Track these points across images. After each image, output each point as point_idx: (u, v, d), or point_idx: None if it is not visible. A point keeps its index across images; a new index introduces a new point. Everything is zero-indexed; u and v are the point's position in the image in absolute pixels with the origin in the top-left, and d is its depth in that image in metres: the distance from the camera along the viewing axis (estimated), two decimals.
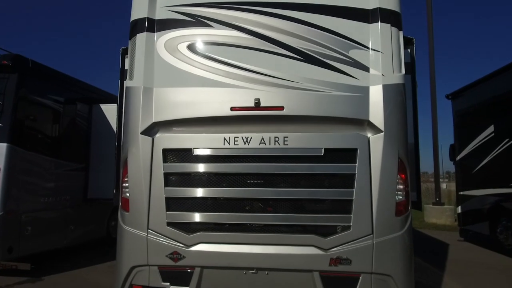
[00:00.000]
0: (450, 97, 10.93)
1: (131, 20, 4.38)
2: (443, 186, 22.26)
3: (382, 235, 3.71)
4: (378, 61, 3.96)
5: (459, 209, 10.46)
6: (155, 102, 4.07)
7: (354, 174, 3.79)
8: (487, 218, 9.14)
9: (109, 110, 8.44)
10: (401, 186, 3.82)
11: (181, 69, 4.11)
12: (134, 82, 4.17)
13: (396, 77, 3.96)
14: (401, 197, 3.81)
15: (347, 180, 3.82)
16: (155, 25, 4.26)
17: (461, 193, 10.36)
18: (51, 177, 7.62)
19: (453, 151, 10.79)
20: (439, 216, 14.72)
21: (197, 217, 3.95)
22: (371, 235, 3.71)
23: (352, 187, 3.78)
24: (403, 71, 4.02)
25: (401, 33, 4.13)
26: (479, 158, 9.35)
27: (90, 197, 8.48)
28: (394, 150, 3.83)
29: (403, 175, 3.85)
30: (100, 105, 8.65)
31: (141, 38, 4.23)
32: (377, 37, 4.01)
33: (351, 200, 3.77)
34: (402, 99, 4.00)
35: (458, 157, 10.44)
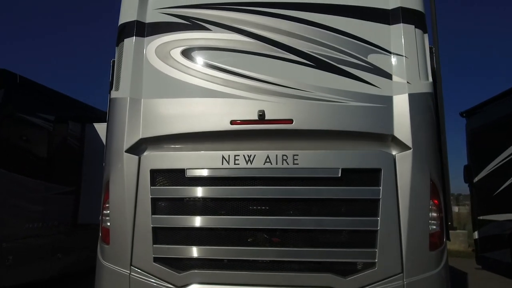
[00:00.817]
0: (464, 114, 10.33)
1: (119, 24, 3.87)
2: (455, 209, 21.43)
3: (415, 274, 3.06)
4: (402, 66, 3.40)
5: (476, 235, 9.75)
6: (143, 115, 3.51)
7: (378, 200, 3.16)
8: (508, 244, 8.42)
9: (104, 130, 7.91)
10: (435, 214, 3.19)
11: (173, 77, 3.57)
12: (119, 93, 3.63)
13: (424, 85, 3.39)
14: (435, 226, 3.18)
15: (370, 207, 3.19)
16: (145, 29, 3.75)
17: (479, 217, 9.63)
18: (38, 201, 7.08)
19: (468, 172, 10.11)
20: (452, 241, 13.92)
21: (190, 251, 3.31)
22: (401, 274, 3.06)
23: (377, 215, 3.15)
24: (430, 79, 3.45)
25: (426, 36, 3.58)
26: (499, 180, 8.69)
27: (81, 223, 7.88)
28: (425, 171, 3.22)
29: (436, 201, 3.23)
30: (94, 124, 8.15)
31: (129, 43, 3.71)
32: (400, 40, 3.46)
33: (376, 231, 3.13)
34: (431, 110, 3.42)
35: (475, 179, 9.76)
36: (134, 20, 3.75)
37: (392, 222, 3.13)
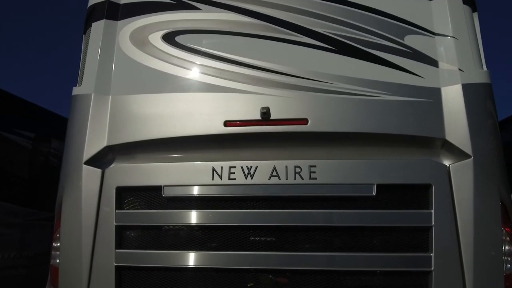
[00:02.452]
0: None
1: (87, 7, 3.10)
2: None
3: None
4: (451, 50, 2.58)
5: None
6: (110, 116, 2.67)
7: (430, 228, 2.27)
8: None
9: None
10: (509, 247, 2.26)
11: (151, 68, 2.75)
12: (81, 89, 2.81)
13: (481, 74, 2.55)
14: (510, 265, 2.24)
15: (419, 238, 2.30)
16: (119, 11, 2.96)
17: None
18: (13, 229, 6.20)
19: None
20: None
21: None
22: None
23: (428, 250, 2.25)
24: (485, 67, 2.62)
25: (475, 15, 2.77)
26: None
27: None
28: (492, 188, 2.34)
29: (509, 228, 2.31)
30: None
31: (97, 28, 2.92)
32: (445, 18, 2.65)
33: (428, 273, 2.22)
34: (493, 106, 2.56)
35: None
36: (106, 0, 2.97)
37: (451, 259, 2.22)
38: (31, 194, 6.58)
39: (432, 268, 2.20)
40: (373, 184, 2.34)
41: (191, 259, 2.40)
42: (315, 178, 2.38)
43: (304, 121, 2.47)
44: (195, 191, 2.47)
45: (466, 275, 2.19)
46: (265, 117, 2.49)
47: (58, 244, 2.56)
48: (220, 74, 2.64)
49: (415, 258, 2.27)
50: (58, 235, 2.59)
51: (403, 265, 2.27)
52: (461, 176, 2.32)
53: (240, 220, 2.40)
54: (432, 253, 2.23)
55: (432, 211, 2.28)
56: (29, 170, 6.77)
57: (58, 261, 2.54)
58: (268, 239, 2.38)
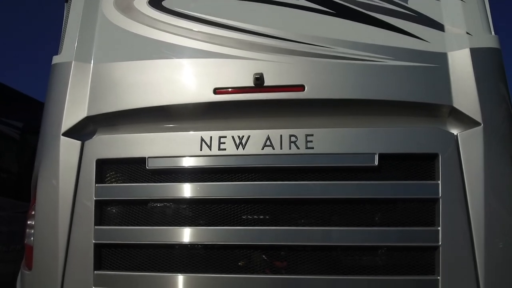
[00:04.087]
0: None
1: None
2: None
3: None
4: (458, 13, 2.40)
5: None
6: (91, 85, 2.48)
7: (437, 200, 2.08)
8: None
9: None
10: None
11: (136, 33, 2.56)
12: (61, 57, 2.62)
13: (490, 38, 2.37)
14: None
15: (426, 211, 2.11)
16: None
17: None
18: (2, 221, 6.05)
19: None
20: None
21: (150, 281, 2.18)
22: None
23: (435, 224, 2.06)
24: (493, 33, 2.45)
25: None
26: None
27: None
28: (503, 156, 2.16)
29: None
30: None
31: None
32: None
33: (436, 249, 2.03)
34: (503, 73, 2.38)
35: None
36: None
37: (460, 234, 2.04)
38: (19, 186, 6.40)
39: (440, 243, 2.02)
40: (375, 154, 2.15)
41: (178, 235, 2.20)
42: (312, 148, 2.19)
43: (300, 87, 2.28)
44: (182, 162, 2.28)
45: (476, 250, 2.00)
46: (258, 83, 2.30)
47: (33, 222, 2.36)
48: (210, 39, 2.45)
49: (421, 233, 2.08)
50: (33, 213, 2.39)
51: (408, 240, 2.08)
52: (470, 144, 2.14)
53: (231, 193, 2.20)
54: (439, 227, 2.04)
55: (439, 182, 2.10)
56: (18, 161, 6.60)
57: (32, 239, 2.33)
58: (261, 213, 2.18)
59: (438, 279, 1.98)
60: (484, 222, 2.03)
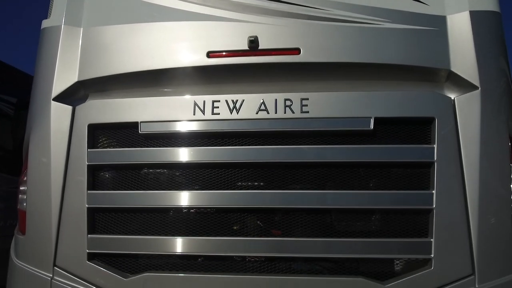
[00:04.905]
0: None
1: None
2: None
3: (493, 276, 1.98)
4: None
5: None
6: (82, 49, 2.42)
7: (432, 163, 2.07)
8: None
9: None
10: None
11: None
12: (50, 21, 2.54)
13: (489, 1, 2.32)
14: None
15: (420, 175, 2.11)
16: None
17: None
18: None
19: None
20: None
21: (143, 244, 2.19)
22: (472, 277, 1.97)
23: (430, 187, 2.06)
24: None
25: None
26: None
27: None
28: (500, 121, 2.15)
29: None
30: None
31: None
32: None
33: (430, 212, 2.04)
34: (502, 37, 2.33)
35: None
36: None
37: (454, 197, 2.03)
38: (15, 161, 6.34)
39: (434, 206, 2.02)
40: (371, 118, 2.12)
41: (170, 199, 2.19)
42: (307, 112, 2.16)
43: (296, 51, 2.23)
44: (175, 127, 2.24)
45: (470, 214, 2.00)
46: (253, 46, 2.24)
47: (25, 187, 2.34)
48: (203, 1, 2.38)
49: (415, 196, 2.08)
50: (25, 178, 2.37)
51: (403, 203, 2.08)
52: (467, 109, 2.12)
53: (225, 157, 2.18)
54: (434, 190, 2.03)
55: (434, 146, 2.08)
56: (13, 137, 6.53)
57: (24, 204, 2.32)
58: (255, 177, 2.17)
59: (431, 241, 1.99)
60: (478, 185, 2.02)
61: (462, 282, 1.95)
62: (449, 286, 1.95)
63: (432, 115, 2.12)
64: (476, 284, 1.95)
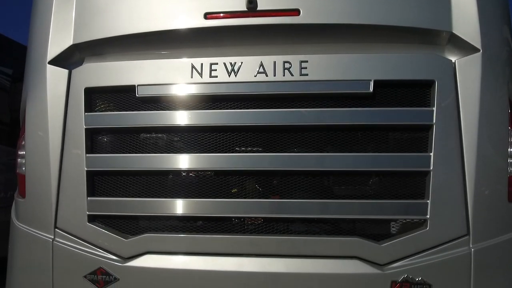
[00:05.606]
0: None
1: None
2: None
3: (487, 236, 2.01)
4: None
5: None
6: (76, 11, 2.36)
7: (430, 126, 2.07)
8: None
9: None
10: None
11: None
12: None
13: None
14: None
15: (417, 137, 2.11)
16: None
17: None
18: None
19: None
20: None
21: (143, 206, 2.21)
22: (466, 237, 2.00)
23: (428, 149, 2.06)
24: None
25: None
26: None
27: None
28: (500, 84, 2.13)
29: None
30: None
31: None
32: None
33: (427, 173, 2.05)
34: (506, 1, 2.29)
35: None
36: None
37: (451, 159, 2.04)
38: (12, 133, 6.33)
39: (431, 168, 2.03)
40: (370, 80, 2.10)
41: (168, 162, 2.20)
42: (307, 74, 2.14)
43: (295, 12, 2.18)
44: (172, 90, 2.22)
45: (467, 176, 2.02)
46: (251, 7, 2.19)
47: (24, 152, 2.34)
48: None
49: (414, 158, 2.09)
50: (23, 142, 2.36)
51: (400, 166, 2.09)
52: (468, 71, 2.09)
53: (222, 120, 2.17)
54: (431, 152, 2.04)
55: (433, 108, 2.07)
56: (10, 109, 6.48)
57: (23, 168, 2.33)
58: (254, 140, 2.17)
59: (427, 202, 2.01)
60: (476, 148, 2.03)
61: (456, 242, 1.99)
62: (444, 246, 1.99)
63: (432, 78, 2.10)
64: (470, 244, 1.98)
